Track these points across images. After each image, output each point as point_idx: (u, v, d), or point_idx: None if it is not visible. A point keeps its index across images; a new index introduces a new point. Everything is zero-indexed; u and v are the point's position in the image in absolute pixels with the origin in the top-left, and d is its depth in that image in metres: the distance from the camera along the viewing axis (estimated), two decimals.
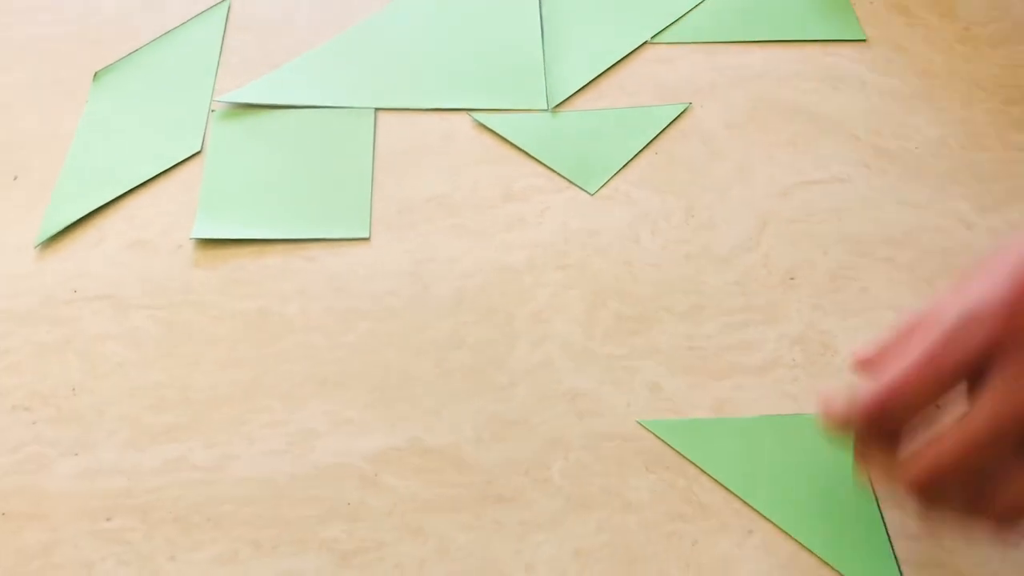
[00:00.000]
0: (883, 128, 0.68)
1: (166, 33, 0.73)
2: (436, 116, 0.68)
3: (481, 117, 0.68)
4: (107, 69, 0.70)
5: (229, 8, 0.75)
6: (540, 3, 0.76)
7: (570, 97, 0.70)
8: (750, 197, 0.64)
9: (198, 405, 0.54)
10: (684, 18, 0.76)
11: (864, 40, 0.74)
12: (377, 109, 0.68)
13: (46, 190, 0.63)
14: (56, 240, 0.61)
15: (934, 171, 0.66)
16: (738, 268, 0.61)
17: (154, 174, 0.64)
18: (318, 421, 0.54)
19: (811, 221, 0.63)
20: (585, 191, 0.64)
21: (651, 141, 0.67)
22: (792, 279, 0.60)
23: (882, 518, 0.50)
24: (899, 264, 0.61)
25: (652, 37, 0.74)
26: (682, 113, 0.69)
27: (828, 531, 0.50)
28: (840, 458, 0.51)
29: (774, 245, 0.62)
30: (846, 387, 0.45)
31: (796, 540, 0.50)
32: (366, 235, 0.61)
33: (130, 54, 0.71)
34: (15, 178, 0.64)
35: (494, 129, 0.67)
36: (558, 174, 0.65)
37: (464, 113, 0.69)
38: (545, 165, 0.66)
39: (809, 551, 0.49)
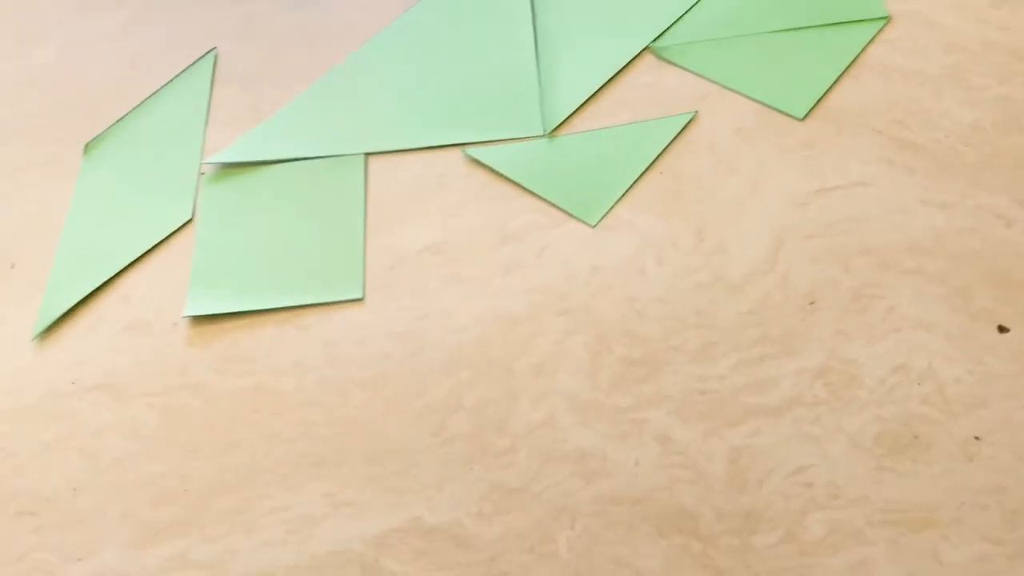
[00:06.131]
0: (908, 118, 0.63)
1: (153, 94, 0.71)
2: (428, 156, 0.65)
3: (474, 152, 0.65)
4: (97, 140, 0.69)
5: (215, 61, 0.73)
6: (534, 21, 0.72)
7: (567, 119, 0.66)
8: (764, 213, 0.60)
9: (197, 496, 0.53)
10: (685, 16, 0.71)
11: (886, 18, 0.68)
12: (367, 155, 0.66)
13: (44, 275, 0.63)
14: (54, 328, 0.60)
15: (966, 163, 0.60)
16: (753, 295, 0.56)
17: (147, 248, 0.63)
18: (317, 505, 0.52)
19: (830, 234, 0.58)
20: (586, 223, 0.61)
21: (655, 159, 0.63)
22: (812, 303, 0.56)
23: None
24: (929, 275, 0.56)
25: (652, 41, 0.69)
26: (688, 124, 0.64)
27: None
28: None
29: (791, 265, 0.57)
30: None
31: None
32: (360, 295, 0.59)
33: (118, 120, 0.70)
34: (12, 266, 0.64)
35: (488, 164, 0.64)
36: (557, 207, 0.62)
37: (457, 149, 0.65)
38: (543, 198, 0.62)
39: None
